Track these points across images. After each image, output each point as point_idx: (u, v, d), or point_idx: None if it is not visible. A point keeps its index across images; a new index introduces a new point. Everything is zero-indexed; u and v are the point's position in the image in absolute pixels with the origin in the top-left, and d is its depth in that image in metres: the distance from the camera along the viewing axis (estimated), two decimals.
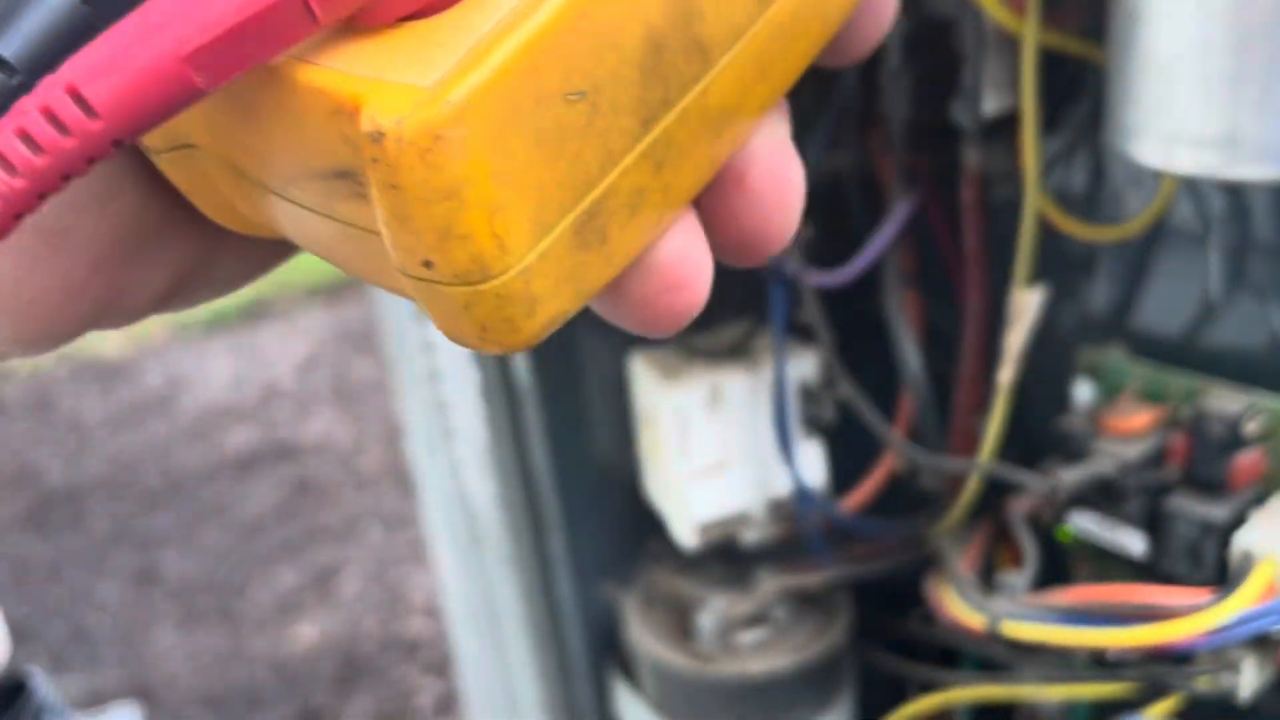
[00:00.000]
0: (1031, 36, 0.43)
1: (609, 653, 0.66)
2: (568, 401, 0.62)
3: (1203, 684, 0.50)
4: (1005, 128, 0.47)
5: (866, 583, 0.67)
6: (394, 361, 1.05)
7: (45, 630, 2.53)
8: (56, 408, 3.60)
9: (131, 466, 3.18)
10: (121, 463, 3.20)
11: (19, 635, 2.50)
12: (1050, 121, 0.48)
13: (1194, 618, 0.45)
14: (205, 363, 3.90)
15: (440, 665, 2.17)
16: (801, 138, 0.51)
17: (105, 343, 4.08)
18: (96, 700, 2.22)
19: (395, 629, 2.31)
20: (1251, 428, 0.49)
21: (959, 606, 0.50)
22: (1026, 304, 0.48)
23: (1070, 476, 0.48)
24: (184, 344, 4.06)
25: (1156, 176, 0.50)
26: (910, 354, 0.50)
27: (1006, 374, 0.50)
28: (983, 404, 0.56)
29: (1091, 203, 0.54)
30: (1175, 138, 0.39)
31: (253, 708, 2.14)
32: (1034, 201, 0.45)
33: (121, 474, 3.14)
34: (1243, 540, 0.46)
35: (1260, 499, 0.49)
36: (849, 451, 0.61)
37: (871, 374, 0.59)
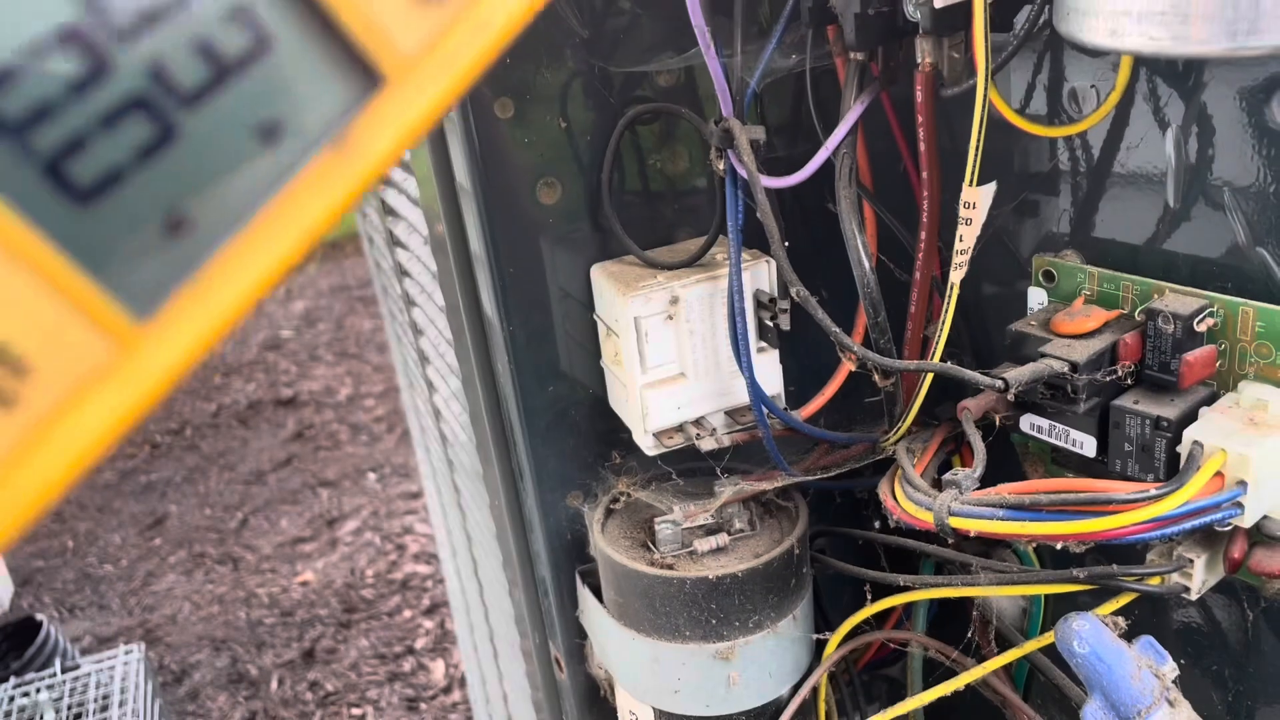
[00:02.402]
0: None
1: (575, 564, 0.66)
2: (533, 318, 0.62)
3: (1154, 583, 0.50)
4: (957, 20, 0.47)
5: (828, 493, 0.68)
6: (381, 303, 1.05)
7: (53, 577, 2.56)
8: None
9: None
10: None
11: (29, 583, 2.53)
12: (1000, 21, 0.47)
13: (1141, 508, 0.45)
14: None
15: (436, 607, 2.20)
16: (760, 40, 0.50)
17: None
18: (104, 644, 2.26)
19: (392, 574, 2.34)
20: (1205, 324, 0.49)
21: (909, 505, 0.50)
22: (977, 200, 0.48)
23: (1019, 375, 0.48)
24: None
25: (1113, 71, 0.50)
26: (861, 253, 0.50)
27: (957, 274, 0.49)
28: (938, 314, 0.56)
29: (1049, 115, 0.54)
30: (1123, 14, 0.39)
31: (256, 649, 2.17)
32: (984, 94, 0.45)
33: None
34: (1192, 434, 0.47)
35: (1212, 399, 0.49)
36: (812, 374, 0.62)
37: (826, 285, 0.59)
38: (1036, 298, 0.56)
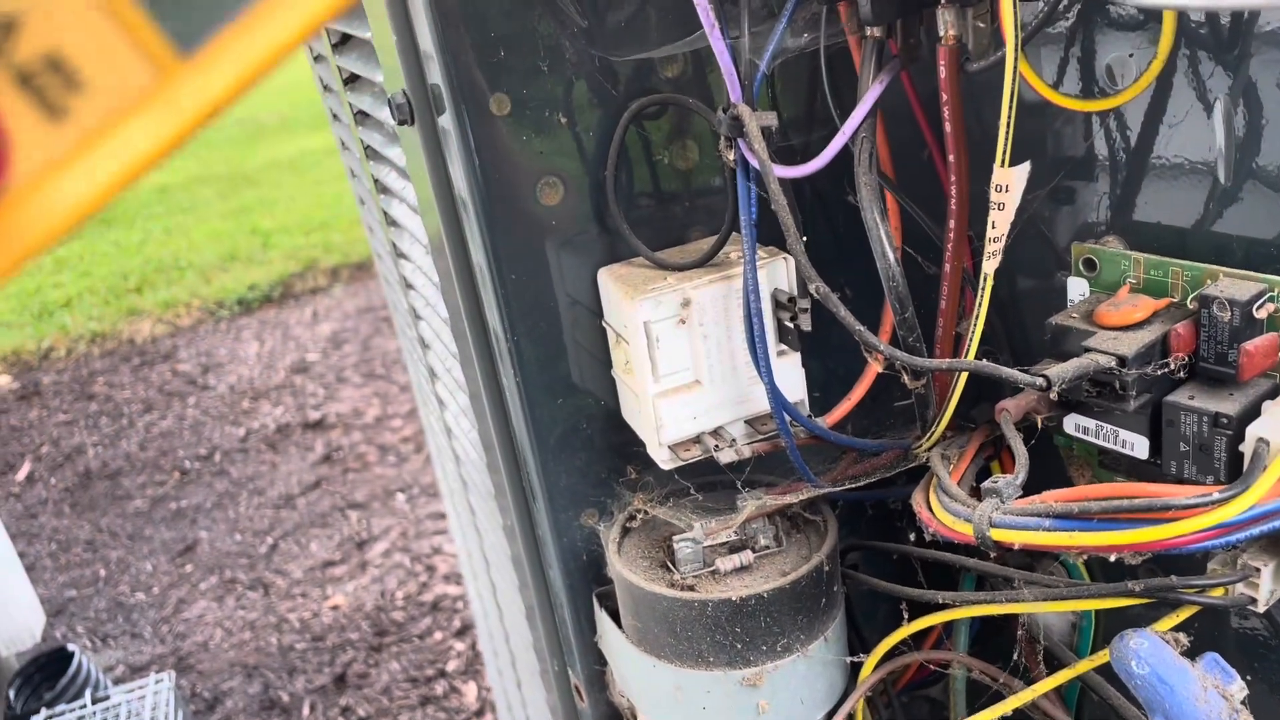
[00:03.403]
0: None
1: (592, 586, 0.63)
2: (539, 327, 0.59)
3: (1217, 595, 0.46)
4: None
5: (859, 505, 0.64)
6: (395, 321, 1.03)
7: (86, 607, 2.56)
8: (92, 392, 3.63)
9: (166, 445, 3.20)
10: (156, 442, 3.23)
11: (62, 613, 2.53)
12: None
13: (1203, 514, 0.41)
14: (235, 343, 3.92)
15: (466, 629, 2.17)
16: (769, 20, 0.46)
17: (138, 327, 4.12)
18: (137, 673, 2.24)
19: (423, 595, 2.31)
20: (1265, 310, 0.44)
21: (946, 516, 0.46)
22: (1009, 181, 0.44)
23: (1062, 372, 0.44)
24: (214, 325, 4.08)
25: (1152, 44, 0.46)
26: (884, 244, 0.46)
27: (991, 264, 0.46)
28: (971, 309, 0.52)
29: (1085, 90, 0.50)
30: None
31: (287, 675, 2.15)
32: (1014, 67, 0.41)
33: (156, 453, 3.17)
34: (1256, 431, 0.42)
35: (1276, 393, 0.45)
36: (836, 381, 0.58)
37: (849, 281, 0.56)
38: (1077, 288, 0.51)
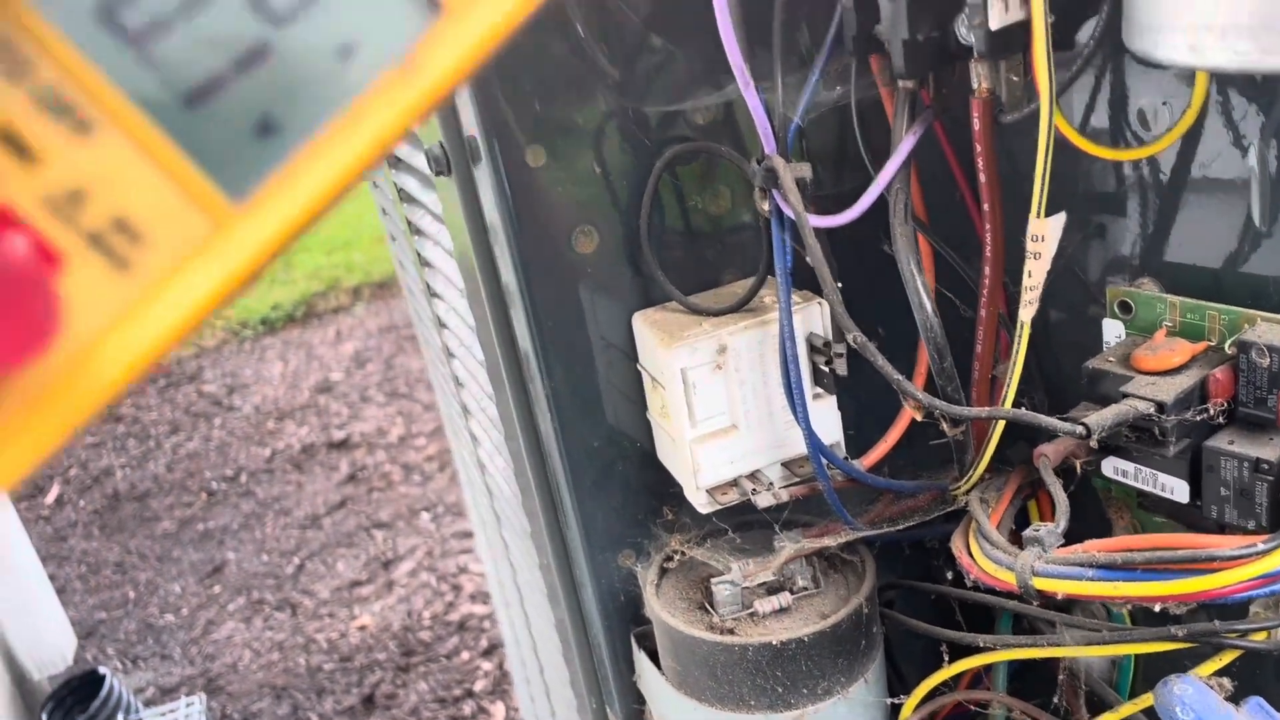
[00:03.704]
0: None
1: (630, 626, 0.63)
2: (574, 370, 0.59)
3: (1260, 639, 0.46)
4: (1014, 41, 0.43)
5: (895, 543, 0.64)
6: (424, 354, 1.04)
7: (116, 629, 2.58)
8: (120, 413, 3.67)
9: (193, 467, 3.23)
10: (183, 464, 3.26)
11: (92, 635, 2.55)
12: (1061, 39, 0.44)
13: (1247, 565, 0.41)
14: (260, 363, 3.95)
15: (494, 648, 2.17)
16: (801, 70, 0.47)
17: None
18: (167, 695, 2.26)
19: (449, 615, 2.32)
20: None
21: (987, 564, 0.46)
22: (1046, 232, 0.44)
23: (1101, 420, 0.44)
24: (239, 346, 4.12)
25: (1187, 87, 0.46)
26: (921, 294, 0.46)
27: (1027, 312, 0.46)
28: (1003, 351, 0.52)
29: (1117, 136, 0.50)
30: (1203, 28, 0.35)
31: (316, 696, 2.16)
32: (1049, 121, 0.42)
33: (184, 474, 3.20)
34: None
35: None
36: (865, 409, 0.58)
37: (882, 324, 0.56)
38: (1113, 330, 0.52)
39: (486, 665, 2.14)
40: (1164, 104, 0.47)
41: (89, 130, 0.19)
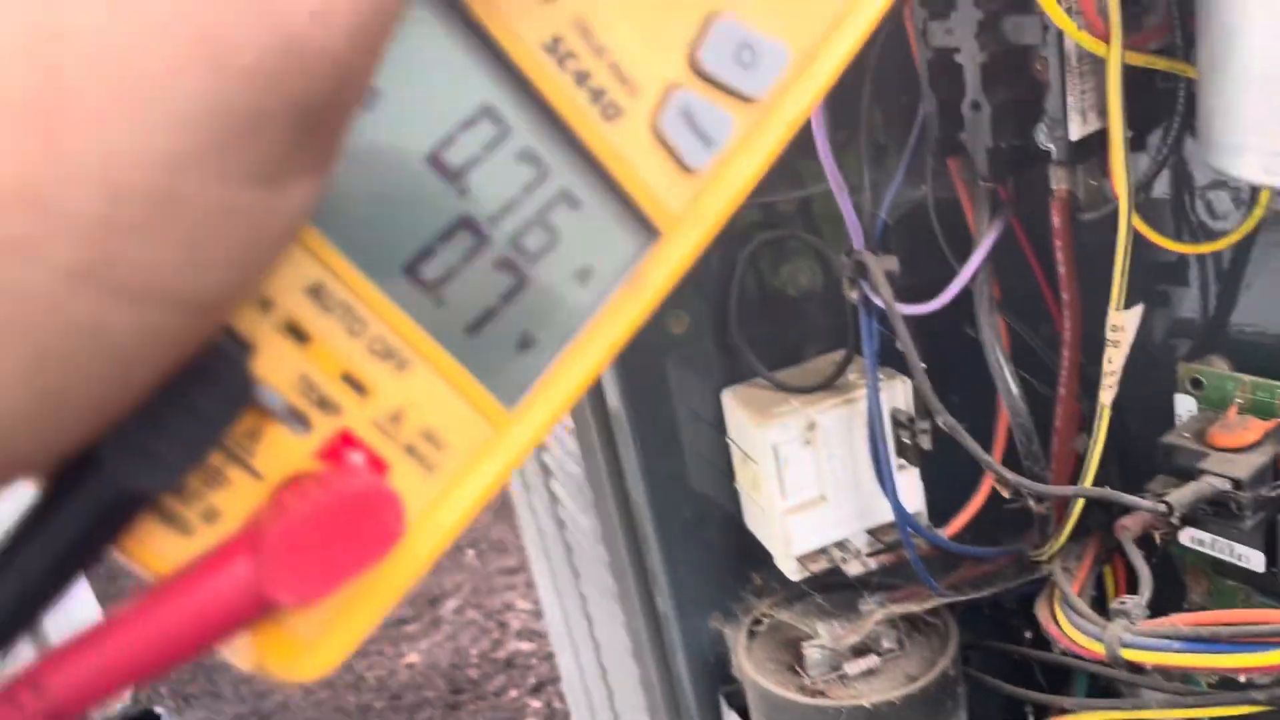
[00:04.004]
0: (1116, 58, 0.43)
1: (719, 686, 0.66)
2: (661, 436, 0.63)
3: None
4: (1090, 148, 0.47)
5: (974, 603, 0.66)
6: None
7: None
8: None
9: None
10: None
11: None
12: (1135, 140, 0.47)
13: None
14: None
15: (542, 686, 2.20)
16: (883, 171, 0.51)
17: None
18: None
19: (496, 652, 2.35)
20: None
21: (1076, 634, 0.49)
22: (1125, 323, 0.47)
23: (1182, 497, 0.47)
24: None
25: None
26: (1009, 382, 0.50)
27: (1107, 395, 0.49)
28: (1080, 425, 0.55)
29: (1178, 212, 0.53)
30: (1277, 154, 0.39)
31: None
32: (1128, 223, 0.45)
33: None
34: None
35: None
36: (941, 474, 0.61)
37: (957, 397, 0.59)
38: (1184, 405, 0.54)
39: (535, 703, 2.17)
40: (1234, 202, 0.50)
41: (405, 365, 0.23)
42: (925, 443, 0.55)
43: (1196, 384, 0.54)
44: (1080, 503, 0.52)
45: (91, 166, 0.15)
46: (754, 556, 0.64)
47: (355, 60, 0.17)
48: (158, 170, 0.15)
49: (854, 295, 0.53)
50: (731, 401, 0.60)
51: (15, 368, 0.15)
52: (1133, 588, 0.54)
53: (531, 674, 2.25)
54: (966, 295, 0.52)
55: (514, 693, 2.22)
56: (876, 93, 0.53)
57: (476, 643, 2.40)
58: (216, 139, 0.16)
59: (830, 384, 0.58)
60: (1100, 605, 0.56)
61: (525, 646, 2.34)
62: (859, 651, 0.59)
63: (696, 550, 0.64)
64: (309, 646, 0.23)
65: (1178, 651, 0.46)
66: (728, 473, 0.63)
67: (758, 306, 0.62)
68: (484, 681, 2.27)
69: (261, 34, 0.16)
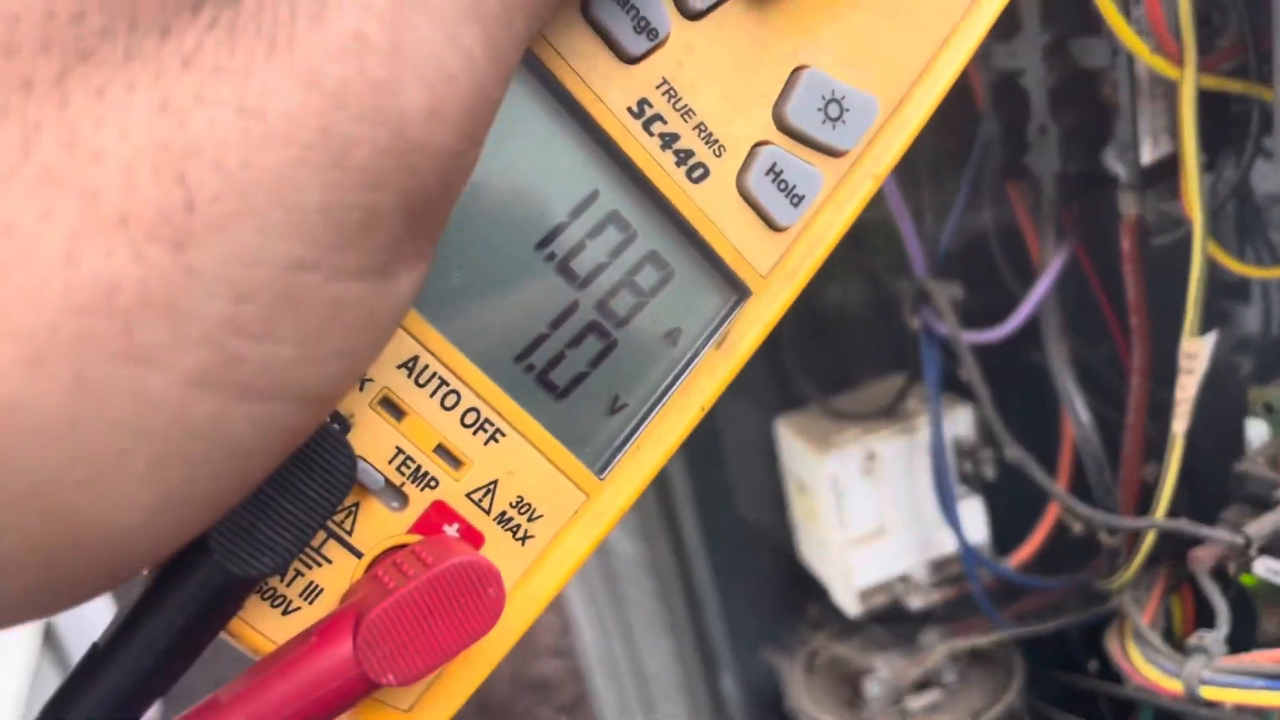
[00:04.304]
0: (1191, 81, 0.41)
1: (773, 719, 0.65)
2: (712, 465, 0.62)
3: None
4: (1161, 172, 0.46)
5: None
6: None
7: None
8: None
9: None
10: None
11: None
12: (1206, 164, 0.46)
13: None
14: None
15: (572, 705, 2.18)
16: (945, 197, 0.50)
17: None
18: None
19: (528, 670, 2.33)
20: None
21: (1151, 670, 0.48)
22: (1199, 350, 0.46)
23: (1260, 529, 0.46)
24: None
25: None
26: (1080, 411, 0.48)
27: (1180, 424, 0.48)
28: (1149, 452, 0.54)
29: (1244, 233, 0.52)
30: None
31: None
32: (1202, 249, 0.44)
33: None
34: None
35: None
36: (1000, 502, 0.60)
37: (1016, 426, 0.58)
38: (1256, 431, 0.53)
39: None
40: None
41: (498, 436, 0.23)
42: (989, 472, 0.54)
43: (1269, 409, 0.53)
44: (1152, 533, 0.50)
45: (218, 272, 0.15)
46: (808, 587, 0.63)
47: (464, 152, 0.17)
48: (279, 270, 0.16)
49: (915, 322, 0.52)
50: (786, 430, 0.59)
51: (140, 468, 0.16)
52: (1202, 619, 0.53)
53: (559, 693, 2.24)
54: (1026, 321, 0.51)
55: (544, 712, 2.21)
56: (934, 116, 0.52)
57: (506, 662, 2.39)
58: (333, 237, 0.16)
59: (889, 411, 0.56)
60: (1169, 637, 0.54)
61: (554, 665, 2.32)
62: (920, 685, 0.58)
63: (748, 581, 0.63)
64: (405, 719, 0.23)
65: (1261, 689, 0.44)
66: (779, 501, 0.62)
67: (808, 329, 0.61)
68: (513, 700, 2.25)
69: (377, 134, 0.16)
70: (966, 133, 0.50)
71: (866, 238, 0.61)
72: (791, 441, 0.58)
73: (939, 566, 0.57)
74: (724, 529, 0.63)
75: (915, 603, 0.55)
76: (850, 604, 0.56)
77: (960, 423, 0.55)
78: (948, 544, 0.56)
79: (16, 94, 0.15)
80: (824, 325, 0.61)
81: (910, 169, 0.52)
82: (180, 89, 0.15)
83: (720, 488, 0.62)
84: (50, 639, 1.25)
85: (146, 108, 0.15)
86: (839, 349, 0.62)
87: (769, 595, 0.63)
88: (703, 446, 0.61)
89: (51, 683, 0.96)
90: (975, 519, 0.56)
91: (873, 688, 0.57)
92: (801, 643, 0.62)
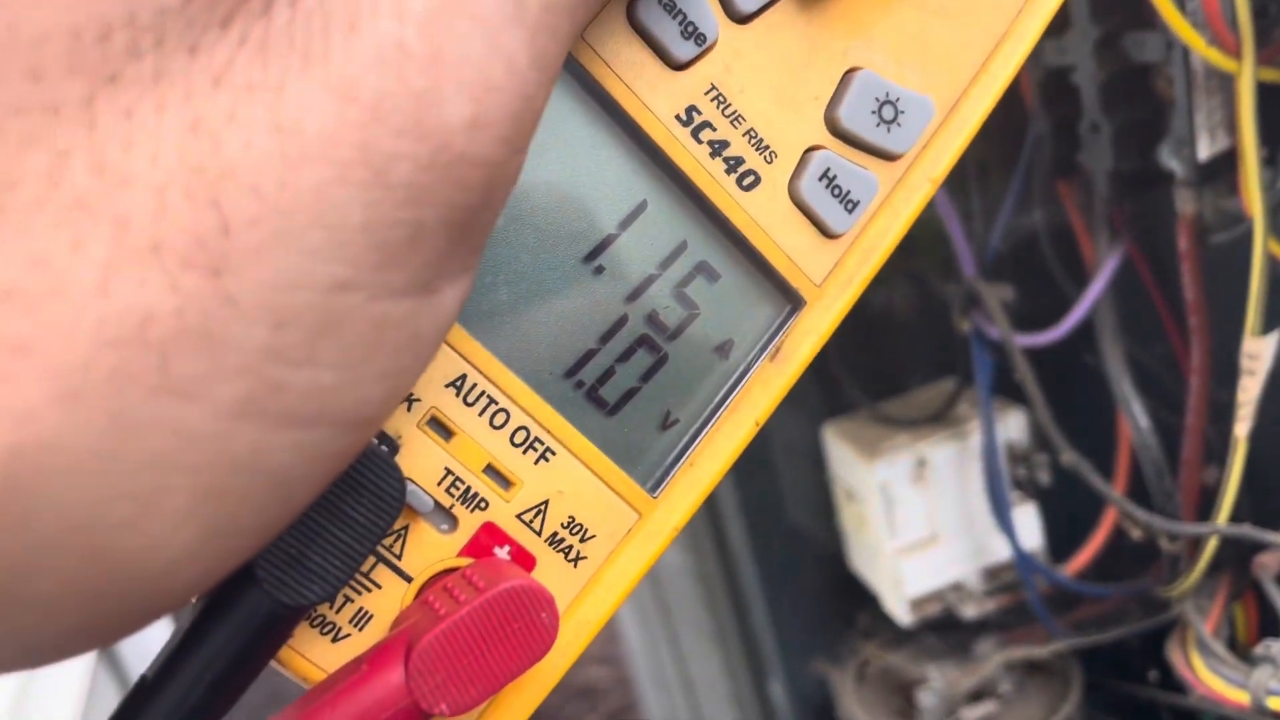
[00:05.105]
0: (1249, 73, 0.40)
1: None
2: (759, 473, 0.61)
3: None
4: (1218, 168, 0.44)
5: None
6: None
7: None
8: None
9: None
10: None
11: None
12: (1266, 159, 0.45)
13: None
14: None
15: (621, 713, 2.18)
16: (994, 197, 0.49)
17: None
18: None
19: (573, 677, 2.34)
20: None
21: (1215, 680, 0.46)
22: (1262, 351, 0.45)
23: None
24: None
25: None
26: (1139, 415, 0.47)
27: (1243, 426, 0.46)
28: (1208, 456, 0.53)
29: None
30: None
31: None
32: (1264, 245, 0.42)
33: None
34: None
35: None
36: (1054, 508, 0.59)
37: (1070, 430, 0.57)
38: None
39: None
40: None
41: (548, 454, 0.23)
42: (1044, 477, 0.53)
43: None
44: (1214, 539, 0.49)
45: (257, 298, 0.15)
46: (858, 595, 0.62)
47: (508, 162, 0.17)
48: (320, 293, 0.15)
49: (966, 326, 0.51)
50: (834, 437, 0.58)
51: (181, 504, 0.15)
52: (1267, 627, 0.52)
53: (604, 701, 2.23)
54: (1079, 322, 0.50)
55: (591, 719, 2.20)
56: None
57: None
58: (376, 256, 0.15)
59: (939, 416, 0.55)
60: (1233, 645, 0.53)
61: (600, 673, 2.32)
62: (975, 696, 0.57)
63: (797, 589, 0.62)
64: None
65: None
66: (828, 509, 0.61)
67: (856, 334, 0.60)
68: (560, 709, 2.25)
69: (419, 148, 0.15)
70: (1016, 132, 0.50)
71: (914, 240, 0.60)
72: (840, 448, 0.58)
73: (993, 574, 0.56)
74: (772, 537, 0.62)
75: (969, 611, 0.54)
76: (902, 613, 0.56)
77: (1013, 427, 0.54)
78: (1001, 551, 0.55)
79: (44, 120, 0.14)
80: (872, 330, 0.61)
81: (958, 169, 0.51)
82: (212, 108, 0.15)
83: (768, 495, 0.62)
84: (105, 651, 1.28)
85: (177, 129, 0.14)
86: (887, 354, 0.61)
87: (818, 604, 0.63)
88: (750, 454, 0.60)
89: (108, 696, 0.97)
90: (1030, 525, 0.55)
91: (926, 698, 0.56)
92: (852, 652, 0.62)
